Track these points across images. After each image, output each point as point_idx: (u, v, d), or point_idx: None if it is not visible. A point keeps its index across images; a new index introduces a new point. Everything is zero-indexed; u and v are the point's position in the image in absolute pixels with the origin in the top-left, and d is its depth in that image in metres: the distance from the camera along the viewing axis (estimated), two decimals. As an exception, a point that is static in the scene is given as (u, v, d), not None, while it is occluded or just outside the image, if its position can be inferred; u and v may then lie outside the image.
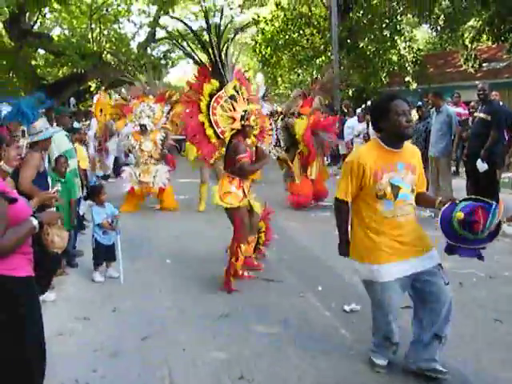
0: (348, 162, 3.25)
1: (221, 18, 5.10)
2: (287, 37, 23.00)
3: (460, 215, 2.94)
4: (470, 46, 21.48)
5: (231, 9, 27.43)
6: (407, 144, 3.33)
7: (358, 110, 13.99)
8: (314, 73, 20.75)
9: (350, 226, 3.42)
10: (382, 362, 3.45)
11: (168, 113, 9.45)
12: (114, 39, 26.99)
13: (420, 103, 9.60)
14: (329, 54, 21.19)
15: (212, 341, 4.00)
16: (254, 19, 23.71)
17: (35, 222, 2.48)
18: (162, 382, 3.44)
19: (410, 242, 3.21)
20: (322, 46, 22.67)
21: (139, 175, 8.99)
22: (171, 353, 3.81)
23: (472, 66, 21.09)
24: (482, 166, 7.28)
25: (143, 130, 8.98)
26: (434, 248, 3.29)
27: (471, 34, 21.06)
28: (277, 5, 23.09)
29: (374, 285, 3.26)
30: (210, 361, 3.69)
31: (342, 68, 20.57)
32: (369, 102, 14.39)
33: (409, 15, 23.65)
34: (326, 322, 4.31)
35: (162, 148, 9.21)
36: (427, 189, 4.12)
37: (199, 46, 5.19)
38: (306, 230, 7.41)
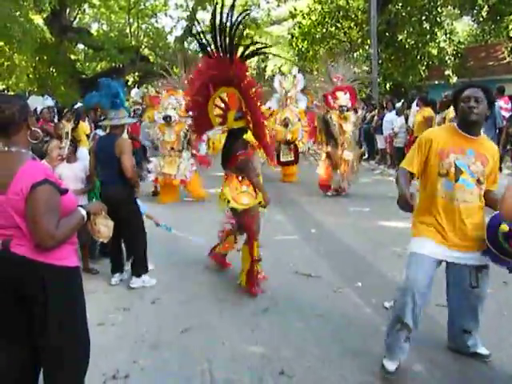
0: (419, 138, 3.36)
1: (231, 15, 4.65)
2: (324, 30, 22.80)
3: (505, 228, 2.91)
4: (514, 38, 20.85)
5: (268, 2, 27.38)
6: (488, 140, 3.37)
7: (398, 104, 13.76)
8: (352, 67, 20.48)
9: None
10: (390, 366, 3.30)
11: None
12: (151, 33, 27.29)
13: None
14: (366, 47, 20.88)
15: (252, 335, 3.98)
16: (291, 12, 23.58)
17: (84, 212, 2.53)
18: (202, 376, 3.43)
19: (458, 233, 3.18)
20: (360, 40, 22.36)
21: (163, 166, 9.16)
22: (211, 346, 3.81)
23: (516, 59, 20.46)
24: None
25: (168, 121, 9.10)
26: (480, 249, 3.20)
27: (516, 26, 20.45)
28: (314, -2, 22.90)
29: (408, 257, 3.28)
30: (250, 355, 3.68)
31: (380, 62, 20.26)
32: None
33: (449, 7, 23.08)
34: (366, 318, 4.24)
35: (185, 141, 9.32)
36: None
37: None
38: (344, 224, 7.32)
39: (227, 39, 4.41)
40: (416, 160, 3.26)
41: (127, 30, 27.17)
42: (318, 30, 22.84)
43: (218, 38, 4.44)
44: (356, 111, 9.90)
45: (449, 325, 3.58)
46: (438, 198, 3.20)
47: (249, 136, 4.82)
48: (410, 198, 3.09)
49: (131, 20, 26.74)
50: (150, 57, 27.43)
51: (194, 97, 4.87)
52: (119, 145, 4.92)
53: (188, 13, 27.40)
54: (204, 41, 4.57)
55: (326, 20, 22.48)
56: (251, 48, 4.67)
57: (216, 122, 5.02)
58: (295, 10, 23.71)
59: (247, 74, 4.71)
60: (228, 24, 4.39)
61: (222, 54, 4.48)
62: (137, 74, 25.65)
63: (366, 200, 9.10)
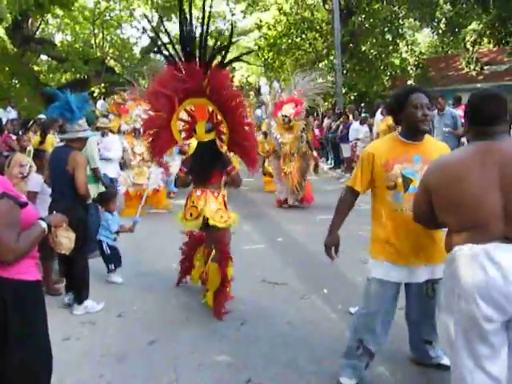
0: (362, 153, 3.31)
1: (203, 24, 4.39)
2: (290, 41, 23.10)
3: None
4: (471, 49, 21.53)
5: (233, 14, 27.54)
6: (433, 139, 3.30)
7: (364, 114, 14.06)
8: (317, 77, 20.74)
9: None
10: (349, 382, 3.26)
11: None
12: (116, 44, 27.10)
13: None
14: (331, 57, 21.24)
15: (219, 345, 4.00)
16: (257, 24, 23.80)
17: (44, 225, 2.50)
18: (169, 386, 3.43)
19: (416, 246, 3.05)
20: (325, 50, 22.73)
21: (133, 177, 9.06)
22: (178, 357, 3.81)
23: (474, 69, 21.13)
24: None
25: (136, 133, 8.99)
26: (438, 262, 2.99)
27: (472, 38, 21.14)
28: (279, 10, 23.19)
29: (368, 281, 3.24)
30: (218, 365, 3.69)
31: (344, 72, 20.61)
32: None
33: (410, 19, 23.70)
34: (332, 324, 4.31)
35: None
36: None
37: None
38: (311, 232, 7.39)
39: (201, 48, 4.37)
40: (361, 177, 3.18)
41: (92, 41, 26.93)
42: (284, 40, 23.13)
43: (190, 47, 4.38)
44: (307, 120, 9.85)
45: (410, 336, 3.53)
46: (389, 212, 3.10)
47: (224, 148, 4.85)
48: (334, 249, 3.28)
49: (96, 31, 26.52)
50: (116, 68, 27.23)
51: (157, 112, 4.66)
52: (73, 159, 4.62)
53: (154, 24, 27.34)
54: (170, 51, 4.49)
55: (292, 31, 22.79)
56: (229, 57, 4.61)
57: (179, 137, 4.83)
58: (261, 21, 23.93)
59: (227, 82, 4.57)
60: (200, 32, 4.37)
61: (193, 64, 4.39)
62: (102, 85, 25.41)
63: (333, 208, 9.17)
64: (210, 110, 4.71)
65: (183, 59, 4.47)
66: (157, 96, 4.57)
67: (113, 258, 5.59)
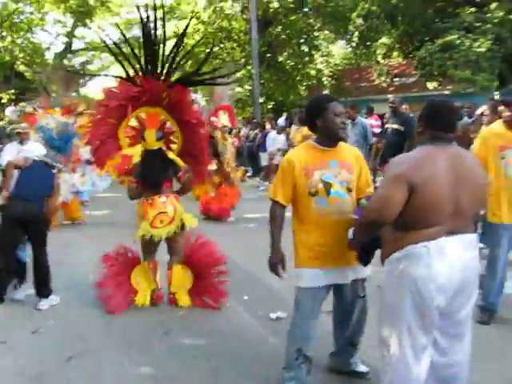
0: (281, 162, 3.30)
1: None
2: (208, 50, 23.14)
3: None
4: (382, 61, 22.61)
5: (151, 22, 27.18)
6: (345, 144, 3.35)
7: (280, 122, 14.33)
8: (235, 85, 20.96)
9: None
10: None
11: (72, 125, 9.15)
12: (27, 49, 25.95)
13: None
14: (249, 67, 21.53)
15: (140, 357, 3.93)
16: (174, 32, 23.65)
17: None
18: (88, 403, 3.34)
19: (341, 247, 3.10)
20: (243, 60, 22.99)
21: None
22: (98, 373, 3.71)
23: (384, 81, 22.18)
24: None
25: None
26: None
27: (383, 51, 22.21)
28: (197, 18, 23.19)
29: (297, 290, 3.25)
30: (139, 377, 3.64)
31: (262, 82, 20.95)
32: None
33: (325, 31, 24.51)
34: (254, 330, 4.37)
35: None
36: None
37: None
38: (230, 241, 7.45)
39: (165, 61, 4.54)
40: (282, 188, 3.19)
41: (0, 44, 25.63)
42: (202, 49, 23.15)
43: (150, 58, 4.54)
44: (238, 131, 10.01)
45: (335, 340, 3.53)
46: (314, 217, 3.13)
47: (172, 156, 4.87)
48: (281, 262, 3.22)
49: (4, 33, 25.27)
50: (27, 73, 26.07)
51: (106, 119, 4.69)
52: None
53: (68, 29, 26.48)
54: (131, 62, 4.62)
55: (209, 40, 22.86)
56: (199, 77, 4.88)
57: (126, 144, 4.87)
58: (178, 29, 23.82)
59: (187, 98, 4.79)
60: (161, 45, 4.56)
61: (154, 75, 4.54)
62: (12, 91, 24.22)
63: (252, 216, 9.31)
64: (162, 118, 4.86)
65: (144, 71, 4.62)
66: (108, 104, 4.64)
67: (18, 272, 5.21)
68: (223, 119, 9.31)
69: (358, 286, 3.30)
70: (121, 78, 4.85)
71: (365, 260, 3.07)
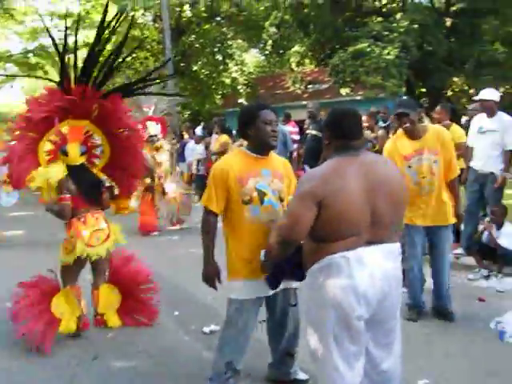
0: (212, 170, 3.20)
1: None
2: (120, 59, 22.64)
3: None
4: (296, 69, 23.14)
5: (59, 31, 26.20)
6: (274, 154, 3.33)
7: (198, 131, 14.22)
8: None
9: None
10: None
11: None
12: None
13: None
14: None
15: (67, 385, 3.69)
16: (84, 41, 22.93)
17: None
18: None
19: None
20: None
21: None
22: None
23: (299, 88, 22.71)
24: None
25: None
26: None
27: (296, 59, 22.75)
28: (108, 28, 22.62)
29: (230, 302, 3.19)
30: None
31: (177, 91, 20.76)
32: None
33: (239, 40, 24.76)
34: (188, 346, 4.23)
35: None
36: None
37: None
38: (155, 255, 7.27)
39: (98, 72, 4.28)
40: (216, 196, 3.11)
41: None
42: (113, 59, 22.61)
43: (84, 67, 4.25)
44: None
45: (272, 351, 3.48)
46: (246, 227, 3.08)
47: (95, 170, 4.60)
48: (217, 273, 3.13)
49: None
50: None
51: (27, 133, 4.25)
52: None
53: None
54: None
55: (122, 49, 22.39)
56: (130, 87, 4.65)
57: (44, 159, 4.40)
58: (88, 38, 23.12)
59: (119, 107, 4.43)
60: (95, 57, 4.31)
61: (84, 87, 4.20)
62: None
63: (174, 228, 9.14)
64: (86, 131, 4.52)
65: (75, 82, 4.27)
66: (32, 116, 4.17)
67: None
68: (152, 129, 9.03)
69: (290, 294, 3.27)
70: (54, 83, 4.38)
71: (274, 284, 3.01)
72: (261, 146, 3.16)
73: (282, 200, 3.18)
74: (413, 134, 4.34)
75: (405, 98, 4.65)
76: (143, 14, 22.98)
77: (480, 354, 3.91)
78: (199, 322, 4.62)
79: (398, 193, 2.56)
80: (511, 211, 6.37)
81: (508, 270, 5.69)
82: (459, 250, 6.26)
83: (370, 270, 2.40)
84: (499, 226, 5.82)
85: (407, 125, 4.28)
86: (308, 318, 2.61)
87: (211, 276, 3.18)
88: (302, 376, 3.47)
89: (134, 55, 22.67)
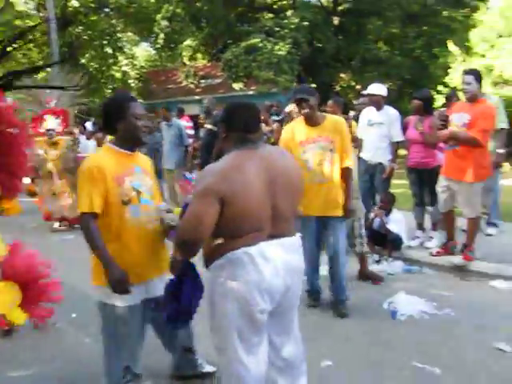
0: (85, 169, 2.87)
1: None
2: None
3: (178, 210, 2.92)
4: (188, 63, 22.99)
5: None
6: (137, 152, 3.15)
7: (88, 127, 13.67)
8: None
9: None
10: None
11: None
12: None
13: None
14: (49, 69, 20.20)
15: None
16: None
17: None
18: None
19: (156, 258, 3.00)
20: (42, 62, 21.49)
21: None
22: None
23: (192, 83, 22.61)
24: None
25: None
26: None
27: (189, 53, 22.60)
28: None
29: (111, 309, 2.94)
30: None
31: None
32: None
33: (129, 33, 24.12)
34: (88, 349, 4.04)
35: None
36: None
37: None
38: (48, 255, 6.86)
39: None
40: (97, 197, 2.80)
41: None
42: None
43: None
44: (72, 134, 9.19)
45: (169, 351, 3.40)
46: (127, 228, 2.87)
47: None
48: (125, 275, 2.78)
49: None
50: None
51: None
52: None
53: None
54: None
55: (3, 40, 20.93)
56: None
57: None
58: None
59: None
60: None
61: None
62: None
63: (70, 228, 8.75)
64: None
65: None
66: None
67: None
68: (51, 123, 8.45)
69: None
70: None
71: (174, 322, 2.88)
72: (132, 142, 2.99)
73: (154, 198, 3.05)
74: (311, 120, 4.37)
75: (303, 84, 4.68)
76: (25, 2, 21.60)
77: (376, 333, 4.14)
78: (98, 323, 4.42)
79: (296, 184, 2.60)
80: (398, 199, 6.81)
81: (397, 254, 6.06)
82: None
83: (273, 264, 2.41)
84: (388, 213, 6.17)
85: (306, 110, 4.30)
86: (211, 312, 2.57)
87: (122, 280, 2.80)
88: (208, 368, 3.43)
89: (14, 46, 21.34)
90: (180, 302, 2.74)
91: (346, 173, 4.42)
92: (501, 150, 6.30)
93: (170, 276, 2.97)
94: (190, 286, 2.76)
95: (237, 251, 2.39)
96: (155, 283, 3.01)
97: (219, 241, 2.47)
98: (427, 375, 3.45)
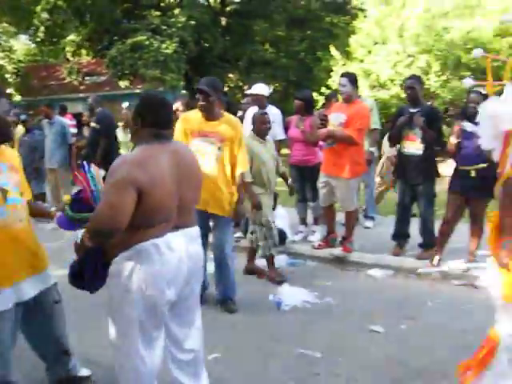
0: None
1: None
2: None
3: (68, 197, 2.77)
4: (71, 59, 22.06)
5: None
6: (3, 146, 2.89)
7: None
8: None
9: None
10: None
11: None
12: None
13: (25, 116, 9.07)
14: None
15: None
16: None
17: None
18: None
19: (27, 258, 2.81)
20: None
21: None
22: None
23: (76, 79, 21.74)
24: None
25: None
26: (48, 266, 2.98)
27: (72, 49, 21.68)
28: None
29: None
30: None
31: None
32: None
33: (4, 24, 22.62)
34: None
35: None
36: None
37: None
38: None
39: None
40: None
41: None
42: None
43: None
44: None
45: (42, 355, 3.18)
46: None
47: None
48: None
49: None
50: None
51: None
52: None
53: None
54: None
55: None
56: None
57: None
58: None
59: None
60: None
61: None
62: None
63: None
64: None
65: None
66: None
67: None
68: None
69: (53, 291, 3.01)
70: None
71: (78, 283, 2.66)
72: None
73: (22, 194, 2.85)
74: (208, 114, 4.28)
75: (213, 78, 4.58)
76: None
77: (263, 324, 4.30)
78: None
79: (199, 179, 2.73)
80: (282, 196, 7.07)
81: (282, 248, 6.27)
82: (238, 234, 6.63)
83: (179, 254, 2.48)
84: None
85: (202, 102, 4.22)
86: (111, 307, 2.53)
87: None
88: (84, 372, 3.27)
89: None
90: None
91: (238, 178, 4.42)
92: (372, 149, 6.82)
93: (47, 273, 2.93)
94: (92, 272, 2.58)
95: (145, 243, 2.41)
96: (28, 284, 2.83)
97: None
98: (310, 359, 3.65)
